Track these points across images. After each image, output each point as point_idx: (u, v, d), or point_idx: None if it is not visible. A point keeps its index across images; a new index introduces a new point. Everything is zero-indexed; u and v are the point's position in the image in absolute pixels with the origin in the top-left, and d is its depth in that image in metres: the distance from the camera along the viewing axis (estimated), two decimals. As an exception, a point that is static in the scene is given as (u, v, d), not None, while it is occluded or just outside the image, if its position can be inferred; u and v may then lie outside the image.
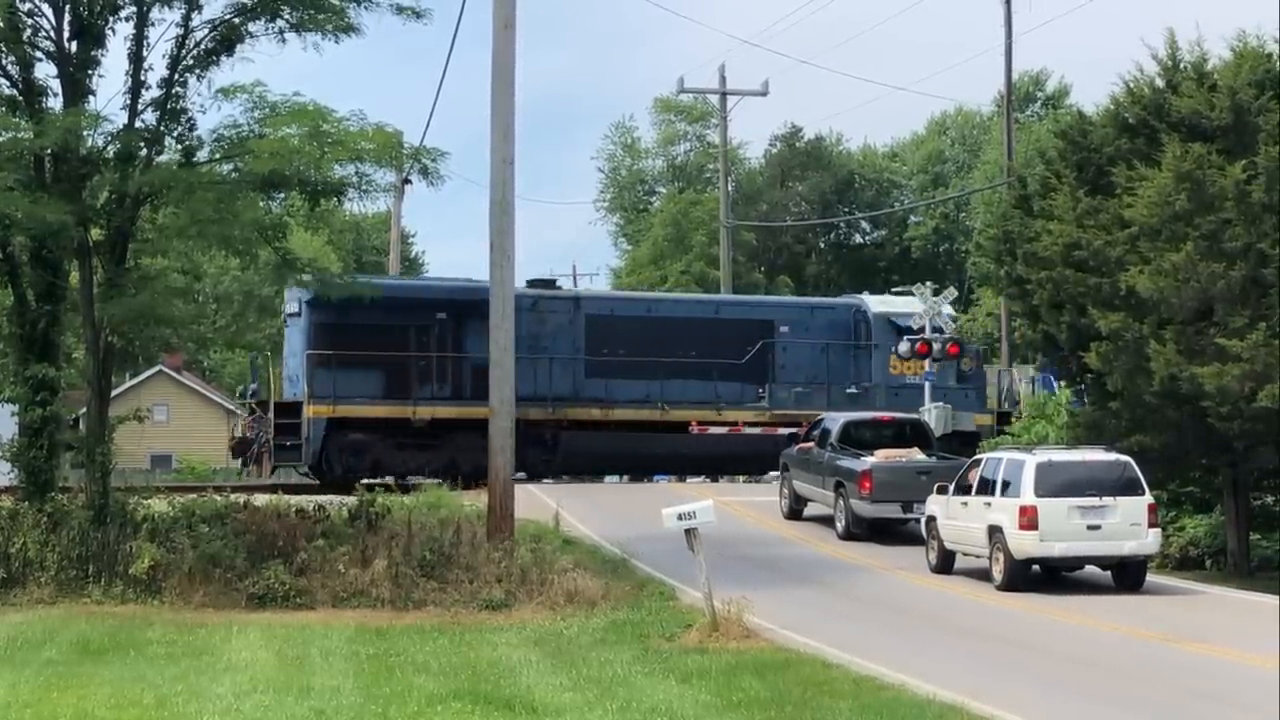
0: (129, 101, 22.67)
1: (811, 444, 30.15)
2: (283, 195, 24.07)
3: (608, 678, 15.68)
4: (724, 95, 56.27)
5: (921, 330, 35.92)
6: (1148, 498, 22.64)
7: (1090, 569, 23.16)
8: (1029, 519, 22.05)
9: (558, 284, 42.37)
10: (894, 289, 45.87)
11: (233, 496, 24.30)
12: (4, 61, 22.46)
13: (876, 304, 39.64)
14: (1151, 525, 22.53)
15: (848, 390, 37.59)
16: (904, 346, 36.41)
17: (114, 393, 26.96)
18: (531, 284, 37.41)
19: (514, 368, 24.64)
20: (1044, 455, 23.04)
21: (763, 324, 37.17)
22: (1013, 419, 37.96)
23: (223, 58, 22.87)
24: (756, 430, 36.85)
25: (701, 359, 36.11)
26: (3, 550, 21.20)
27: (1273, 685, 15.26)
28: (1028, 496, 22.19)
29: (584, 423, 35.90)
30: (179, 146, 23.01)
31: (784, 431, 35.82)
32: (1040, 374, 39.37)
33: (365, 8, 23.05)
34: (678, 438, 36.17)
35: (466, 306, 33.26)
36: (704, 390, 36.05)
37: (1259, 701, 14.88)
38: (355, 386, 33.99)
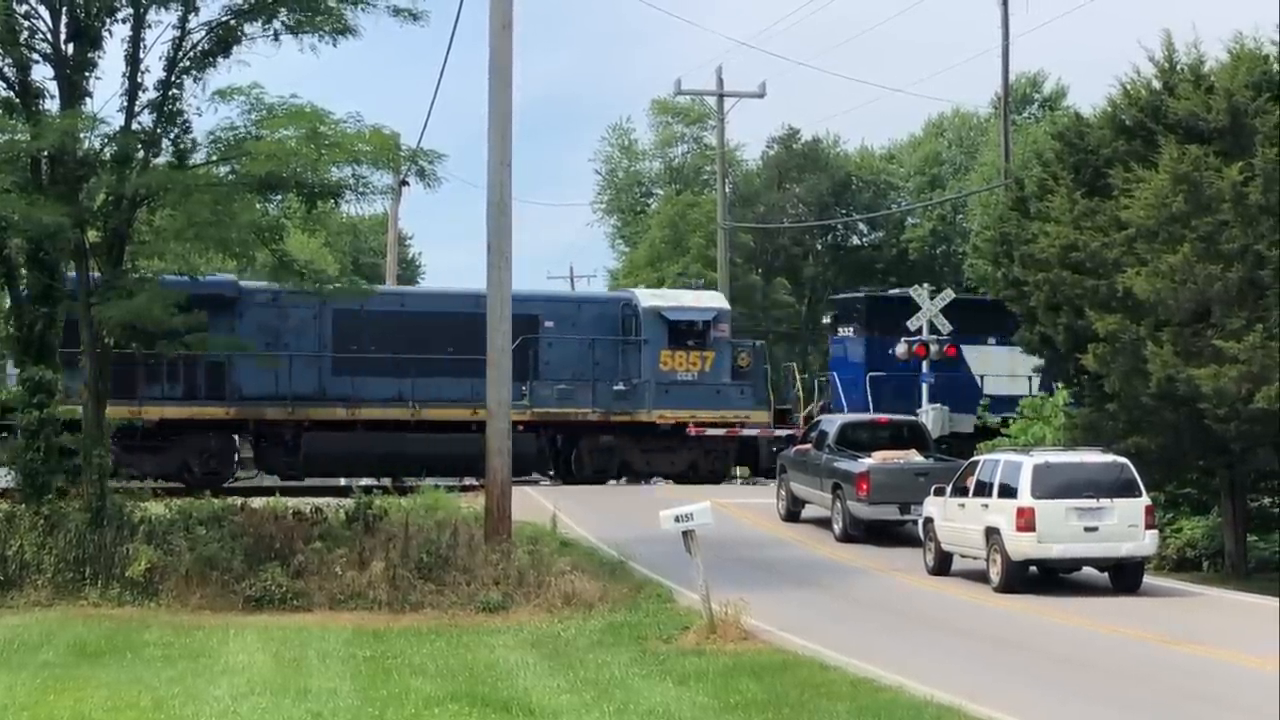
0: (126, 103, 22.67)
1: (809, 446, 30.18)
2: (280, 197, 24.05)
3: (605, 680, 15.68)
4: (721, 97, 56.25)
5: (692, 327, 36.27)
6: (1145, 499, 22.65)
7: (1087, 570, 23.17)
8: (1026, 520, 22.06)
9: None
10: (891, 290, 45.83)
11: (230, 499, 24.29)
12: (1, 64, 22.45)
13: (647, 298, 38.60)
14: (1149, 527, 22.54)
15: (615, 387, 36.46)
16: (901, 348, 36.41)
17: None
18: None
19: (511, 369, 24.64)
20: (1041, 457, 23.06)
21: (526, 319, 33.80)
22: (790, 418, 38.02)
23: (219, 60, 22.87)
24: (519, 429, 34.42)
25: (459, 356, 33.31)
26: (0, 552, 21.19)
27: (1270, 686, 15.27)
28: (1025, 498, 22.21)
29: (328, 423, 34.54)
30: (176, 149, 23.00)
31: (541, 430, 35.15)
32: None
33: (362, 9, 23.03)
34: (433, 438, 34.43)
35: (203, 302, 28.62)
36: (460, 388, 33.44)
37: (1257, 703, 14.89)
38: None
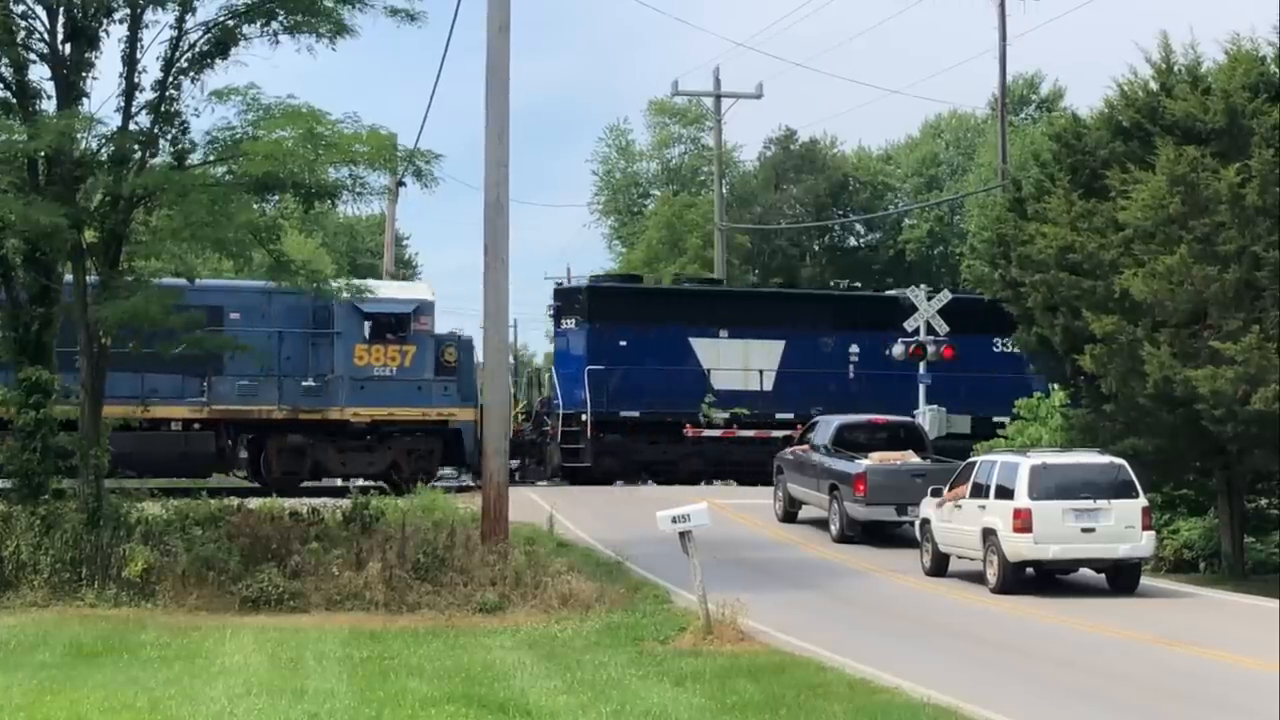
0: (123, 104, 22.65)
1: (806, 447, 30.19)
2: (276, 198, 24.04)
3: (602, 681, 15.67)
4: (719, 98, 56.32)
5: (393, 320, 34.73)
6: (1142, 500, 22.66)
7: (1084, 572, 23.18)
8: (1023, 522, 22.07)
9: None
10: (888, 292, 45.83)
11: (226, 500, 24.28)
12: (-2, 64, 22.44)
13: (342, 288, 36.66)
14: (1146, 528, 22.55)
15: (304, 383, 34.14)
16: (898, 349, 36.41)
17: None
18: None
19: (508, 371, 24.63)
20: (1038, 458, 23.07)
21: (209, 310, 30.64)
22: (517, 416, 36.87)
23: (217, 60, 22.84)
24: (196, 427, 33.44)
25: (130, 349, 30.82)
26: (-4, 553, 21.17)
27: (1266, 688, 15.27)
28: (1022, 499, 22.21)
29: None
30: (173, 149, 22.98)
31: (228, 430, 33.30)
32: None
33: (359, 10, 23.02)
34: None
35: None
36: (133, 384, 30.51)
37: (1255, 705, 14.89)
38: None
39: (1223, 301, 23.37)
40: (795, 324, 39.02)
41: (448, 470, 38.33)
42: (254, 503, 24.47)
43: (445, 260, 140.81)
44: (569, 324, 39.50)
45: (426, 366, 34.99)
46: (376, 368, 34.63)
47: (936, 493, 24.48)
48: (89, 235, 22.79)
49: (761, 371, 38.01)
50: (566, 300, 40.75)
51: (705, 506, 19.22)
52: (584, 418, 37.43)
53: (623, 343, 37.68)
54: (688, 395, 37.89)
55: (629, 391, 37.70)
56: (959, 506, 23.48)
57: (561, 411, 37.90)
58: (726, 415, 35.73)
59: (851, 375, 39.41)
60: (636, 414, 37.93)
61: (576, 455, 37.74)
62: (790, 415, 37.48)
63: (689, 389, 37.91)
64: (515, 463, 37.04)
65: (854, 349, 39.33)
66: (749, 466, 37.59)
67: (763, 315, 39.57)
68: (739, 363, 38.71)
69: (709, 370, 38.38)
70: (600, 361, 37.78)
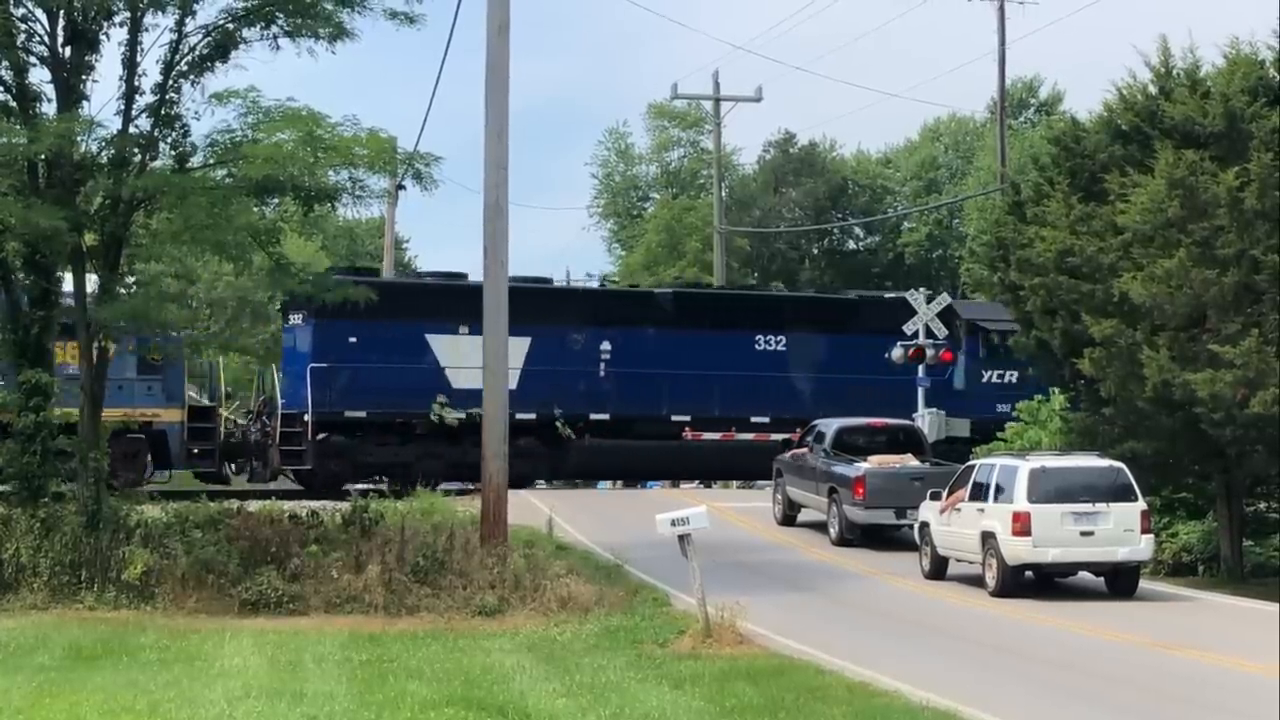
0: (123, 107, 22.66)
1: (805, 450, 30.19)
2: (276, 200, 24.05)
3: (601, 684, 15.67)
4: (718, 101, 56.32)
5: None
6: (1141, 504, 22.67)
7: (1083, 575, 23.18)
8: (1022, 525, 22.08)
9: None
10: (886, 294, 45.80)
11: (226, 503, 24.29)
12: (-2, 67, 22.45)
13: None
14: (1145, 531, 22.55)
15: None
16: (897, 351, 36.40)
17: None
18: None
19: (508, 374, 24.63)
20: (1037, 461, 23.07)
21: None
22: (219, 413, 35.31)
23: (217, 64, 22.85)
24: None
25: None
26: (-5, 556, 21.17)
27: (1265, 691, 15.29)
28: (1021, 502, 22.22)
29: None
30: (173, 152, 22.99)
31: None
32: None
33: (358, 13, 23.04)
34: None
35: None
36: None
37: (1254, 708, 14.91)
38: None
39: (1222, 305, 23.39)
40: (543, 320, 35.80)
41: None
42: (253, 505, 24.47)
43: (445, 262, 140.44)
44: (296, 319, 36.72)
45: (128, 366, 32.24)
46: (71, 366, 30.45)
47: (935, 496, 24.49)
48: (89, 238, 22.80)
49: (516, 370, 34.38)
50: (293, 295, 36.69)
51: (704, 510, 19.23)
52: (306, 418, 34.98)
53: (352, 339, 35.12)
54: (420, 394, 35.25)
55: (356, 390, 35.24)
56: (958, 510, 23.50)
57: (281, 411, 35.32)
58: (462, 415, 32.70)
59: (603, 374, 37.23)
60: (363, 414, 35.31)
61: (298, 457, 35.35)
62: (533, 416, 35.29)
63: (422, 388, 35.23)
64: (233, 465, 36.10)
65: (605, 346, 37.35)
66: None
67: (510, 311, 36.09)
68: (480, 361, 34.85)
69: (445, 368, 35.61)
70: (326, 359, 35.20)
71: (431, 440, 35.33)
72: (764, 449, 35.70)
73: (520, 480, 34.56)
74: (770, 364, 38.17)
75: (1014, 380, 37.88)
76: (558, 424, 33.82)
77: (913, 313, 36.49)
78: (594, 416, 36.60)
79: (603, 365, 37.33)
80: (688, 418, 37.25)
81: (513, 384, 34.20)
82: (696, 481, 40.67)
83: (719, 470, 39.43)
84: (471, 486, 33.29)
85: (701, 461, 38.16)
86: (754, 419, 37.68)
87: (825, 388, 37.79)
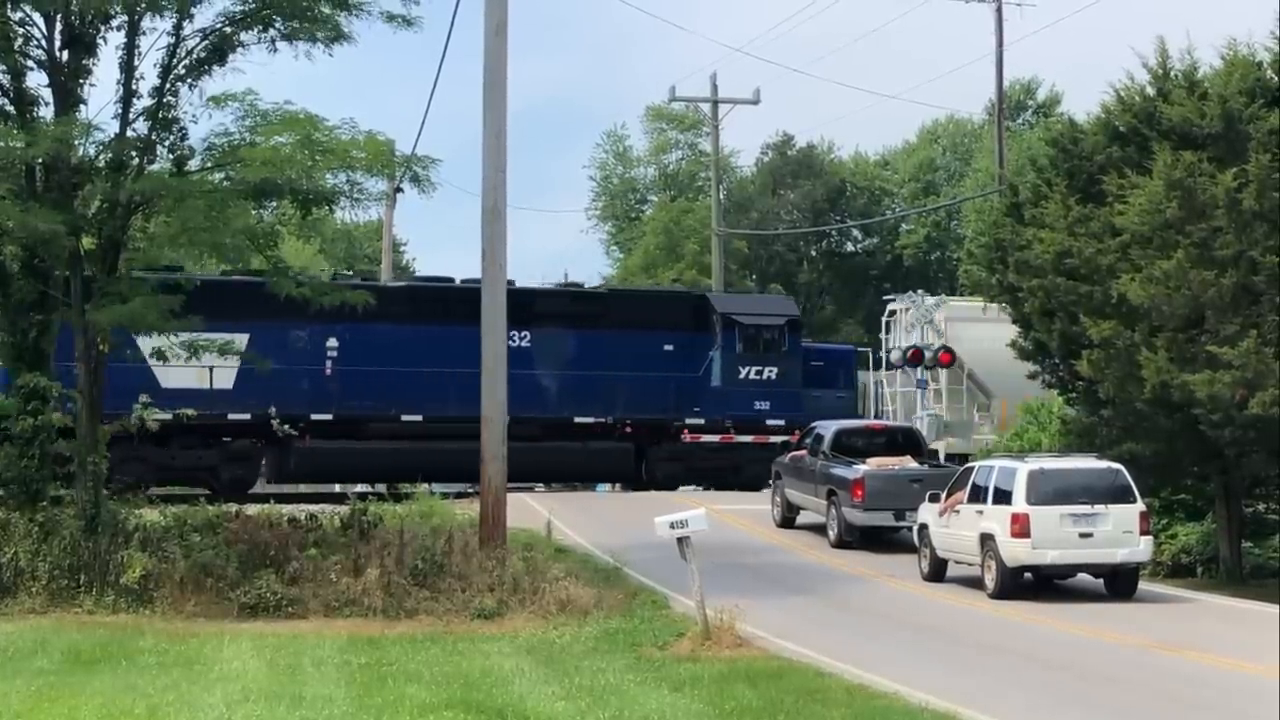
0: (120, 110, 22.64)
1: (804, 452, 30.18)
2: (274, 203, 24.04)
3: (600, 686, 15.66)
4: (716, 104, 56.31)
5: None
6: (1140, 505, 22.66)
7: (1082, 577, 23.18)
8: (1021, 527, 22.07)
9: None
10: (885, 297, 45.86)
11: (224, 506, 24.27)
12: (-5, 71, 22.45)
13: None
14: (1143, 533, 22.55)
15: None
16: (896, 355, 36.43)
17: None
18: None
19: (506, 375, 24.64)
20: (1036, 463, 23.07)
21: None
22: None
23: (214, 67, 22.85)
24: None
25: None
26: (-6, 560, 21.15)
27: (1265, 692, 15.29)
28: (1020, 504, 22.21)
29: None
30: (171, 155, 22.99)
31: None
32: None
33: (356, 16, 23.05)
34: None
35: None
36: None
37: (1254, 709, 14.91)
38: None
39: (1220, 306, 23.40)
40: (264, 315, 32.52)
41: None
42: (252, 509, 24.46)
43: (443, 265, 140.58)
44: None
45: None
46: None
47: (934, 498, 24.48)
48: (87, 242, 22.80)
49: (212, 369, 32.32)
50: None
51: (703, 512, 19.22)
52: None
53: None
54: (124, 395, 29.69)
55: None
56: (957, 512, 23.50)
57: None
58: (168, 417, 29.24)
59: (328, 371, 35.44)
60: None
61: None
62: (247, 416, 33.54)
63: (126, 387, 29.89)
64: None
65: (332, 342, 35.40)
66: (200, 471, 34.38)
67: (225, 306, 32.15)
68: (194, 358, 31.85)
69: (153, 366, 30.94)
70: None
71: (130, 443, 30.06)
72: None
73: (238, 484, 33.62)
74: (514, 361, 34.11)
75: (773, 377, 37.35)
76: (273, 424, 30.16)
77: (679, 307, 36.08)
78: (315, 417, 34.42)
79: (329, 363, 35.27)
80: (419, 418, 35.27)
81: (229, 383, 32.93)
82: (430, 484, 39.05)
83: (458, 472, 36.59)
84: (177, 491, 32.17)
85: (441, 462, 35.37)
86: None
87: (575, 385, 36.55)
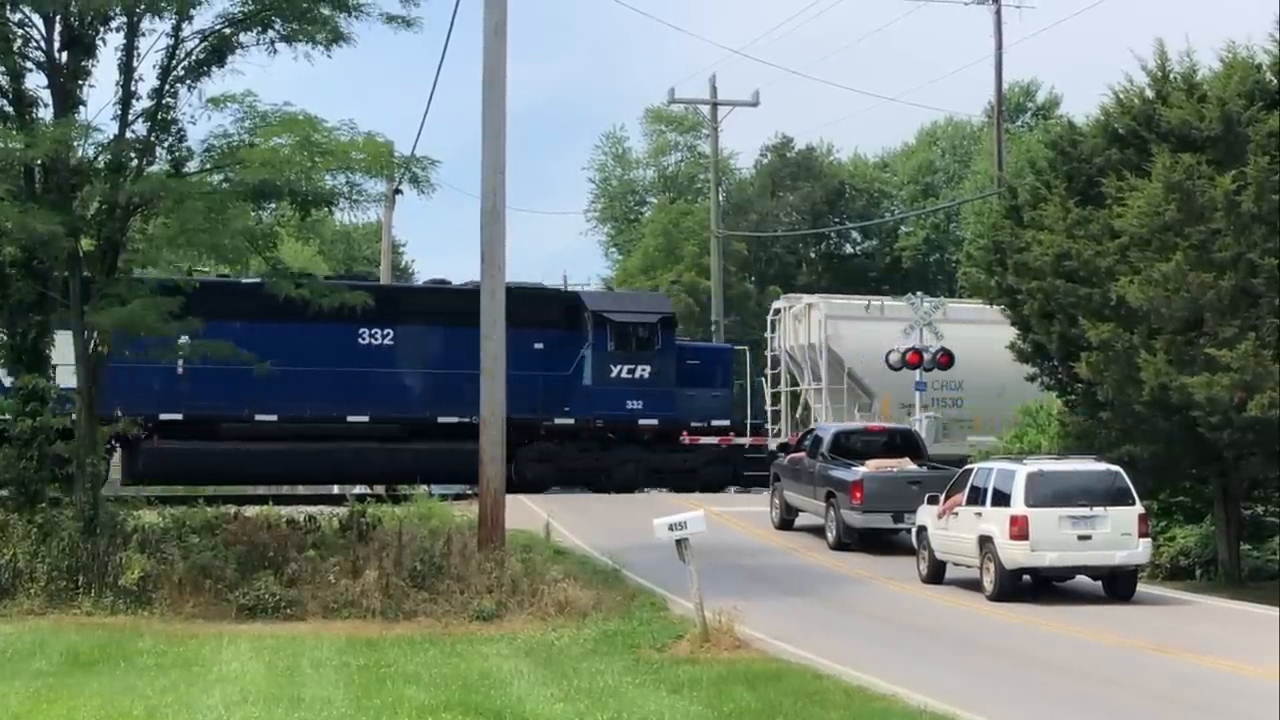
0: (119, 112, 22.65)
1: (802, 454, 30.18)
2: (273, 205, 24.04)
3: (598, 688, 15.67)
4: (715, 105, 56.33)
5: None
6: (1138, 507, 22.67)
7: (1081, 579, 23.18)
8: (1020, 529, 22.08)
9: None
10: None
11: (223, 508, 24.27)
12: (-6, 72, 22.45)
13: None
14: (1142, 535, 22.56)
15: None
16: (894, 357, 36.42)
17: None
18: None
19: (504, 376, 24.66)
20: (1035, 465, 23.08)
21: None
22: None
23: (213, 68, 22.86)
24: None
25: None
26: (-8, 561, 21.14)
27: (1264, 695, 15.30)
28: (1018, 506, 22.22)
29: None
30: (170, 157, 22.99)
31: None
32: None
33: (355, 17, 23.06)
34: None
35: None
36: None
37: (1253, 711, 14.91)
38: None
39: (1219, 308, 23.40)
40: None
41: None
42: (250, 510, 24.46)
43: (442, 266, 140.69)
44: None
45: None
46: None
47: (933, 499, 24.49)
48: (86, 243, 22.80)
49: (56, 368, 31.43)
50: None
51: (701, 514, 19.22)
52: None
53: None
54: None
55: None
56: (956, 514, 23.51)
57: None
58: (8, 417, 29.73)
59: (180, 370, 32.98)
60: None
61: None
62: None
63: None
64: None
65: (183, 340, 33.85)
66: None
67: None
68: None
69: None
70: None
71: None
72: (367, 452, 34.33)
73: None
74: (375, 359, 34.87)
75: (646, 375, 36.60)
76: (120, 423, 27.51)
77: (550, 304, 35.46)
78: (164, 417, 32.86)
79: (180, 361, 32.43)
80: (274, 417, 33.90)
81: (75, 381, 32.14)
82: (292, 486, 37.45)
83: (316, 474, 36.04)
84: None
85: (298, 464, 34.86)
86: (351, 418, 34.86)
87: (439, 384, 35.33)
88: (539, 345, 36.02)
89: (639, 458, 36.40)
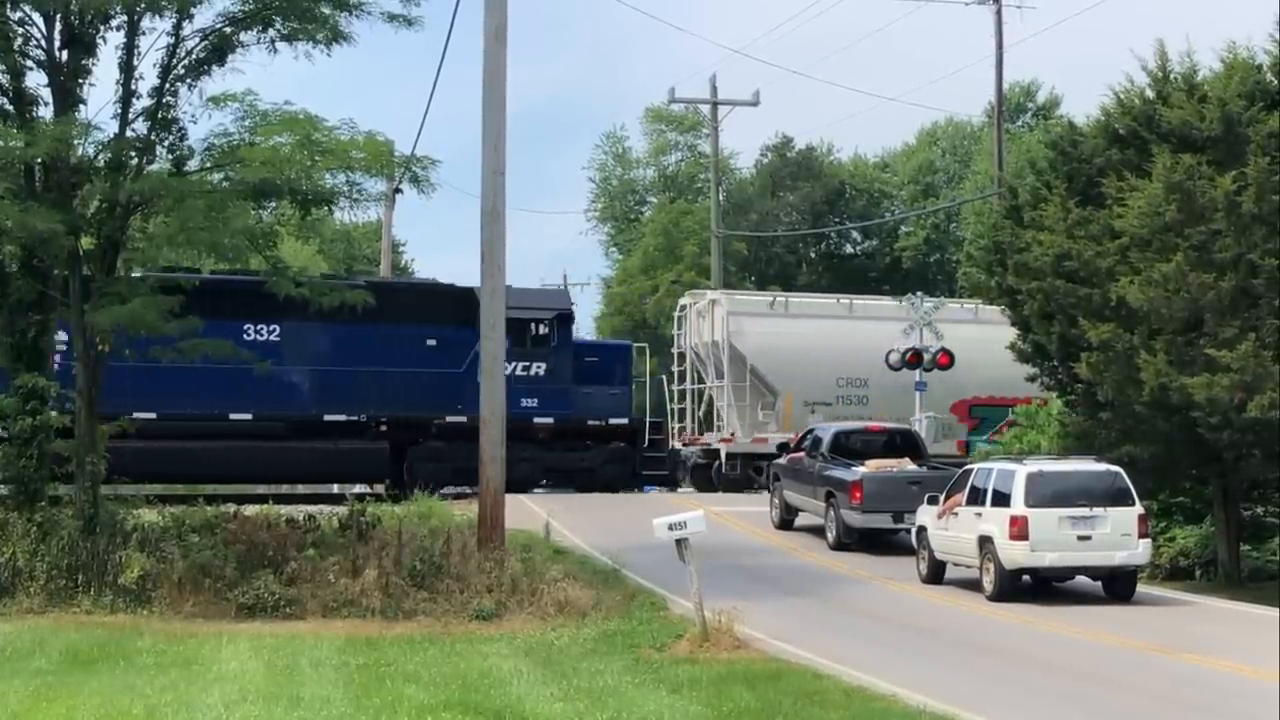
0: (120, 110, 22.65)
1: (802, 454, 30.18)
2: (274, 204, 24.04)
3: (598, 688, 15.66)
4: (715, 105, 56.33)
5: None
6: (1138, 508, 22.67)
7: (1081, 579, 23.18)
8: (1019, 529, 22.08)
9: None
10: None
11: (223, 506, 24.27)
12: (-5, 70, 22.45)
13: None
14: (1142, 535, 22.56)
15: None
16: (894, 357, 36.41)
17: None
18: None
19: (504, 376, 24.67)
20: (1034, 465, 23.07)
21: None
22: None
23: (214, 67, 22.86)
24: None
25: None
26: (-8, 560, 21.14)
27: (1263, 695, 15.29)
28: (1018, 507, 22.22)
29: None
30: (170, 155, 23.00)
31: None
32: None
33: (356, 16, 23.06)
34: None
35: None
36: None
37: (1253, 711, 14.91)
38: None
39: (1219, 309, 23.39)
40: None
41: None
42: (250, 509, 24.46)
43: (442, 266, 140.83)
44: None
45: None
46: None
47: (933, 500, 24.48)
48: (86, 242, 22.80)
49: None
50: None
51: (701, 514, 19.21)
52: None
53: None
54: None
55: None
56: (956, 514, 23.51)
57: None
58: None
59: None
60: None
61: None
62: None
63: None
64: None
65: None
66: None
67: None
68: None
69: None
70: None
71: None
72: (251, 451, 33.36)
73: None
74: (260, 355, 31.28)
75: (541, 373, 35.72)
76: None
77: (444, 300, 34.65)
78: None
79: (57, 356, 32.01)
80: (153, 415, 31.16)
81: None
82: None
83: (196, 474, 34.17)
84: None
85: (173, 464, 33.37)
86: (234, 416, 33.69)
87: (326, 381, 34.54)
88: (432, 341, 35.05)
89: (534, 456, 35.36)
